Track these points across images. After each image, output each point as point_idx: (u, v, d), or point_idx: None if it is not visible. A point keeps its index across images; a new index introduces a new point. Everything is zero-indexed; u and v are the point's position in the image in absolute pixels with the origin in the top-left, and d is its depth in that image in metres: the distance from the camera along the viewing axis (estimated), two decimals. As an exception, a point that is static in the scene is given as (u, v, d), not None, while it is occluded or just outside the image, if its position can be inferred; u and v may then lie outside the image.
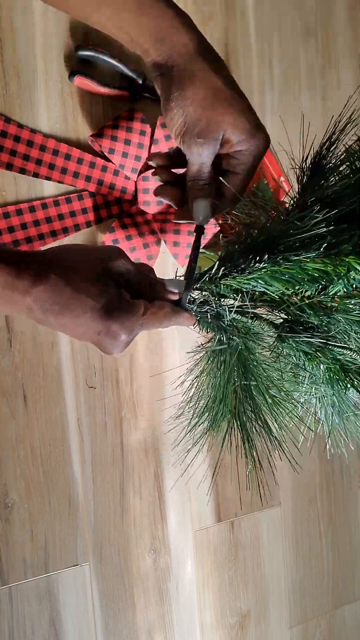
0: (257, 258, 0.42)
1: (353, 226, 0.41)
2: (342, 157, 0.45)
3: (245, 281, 0.44)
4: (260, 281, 0.43)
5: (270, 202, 0.47)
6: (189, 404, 0.50)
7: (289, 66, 0.86)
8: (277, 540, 0.92)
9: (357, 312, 0.42)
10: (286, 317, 0.46)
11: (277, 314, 0.46)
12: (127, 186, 0.73)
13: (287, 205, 0.47)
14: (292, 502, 0.93)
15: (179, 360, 0.80)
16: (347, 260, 0.39)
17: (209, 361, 0.49)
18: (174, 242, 0.74)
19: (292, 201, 0.46)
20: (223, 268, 0.45)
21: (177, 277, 0.48)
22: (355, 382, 0.45)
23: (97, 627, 0.77)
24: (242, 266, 0.44)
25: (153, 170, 0.52)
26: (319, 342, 0.43)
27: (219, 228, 0.76)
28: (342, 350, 0.44)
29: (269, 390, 0.48)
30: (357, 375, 0.45)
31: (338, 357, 0.44)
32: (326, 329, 0.43)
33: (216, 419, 0.49)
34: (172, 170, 0.51)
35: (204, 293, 0.47)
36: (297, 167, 0.47)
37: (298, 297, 0.44)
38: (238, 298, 0.45)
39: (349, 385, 0.45)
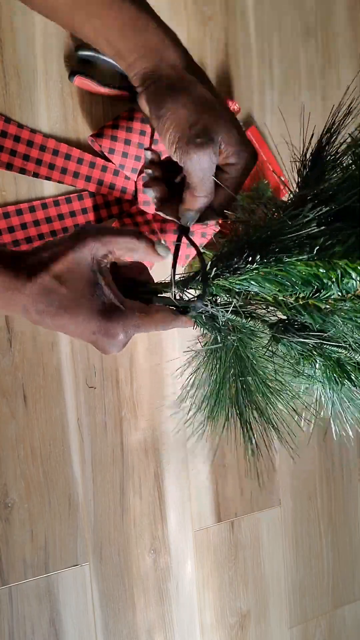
0: (250, 259, 0.41)
1: (347, 225, 0.39)
2: (343, 146, 0.44)
3: (237, 282, 0.43)
4: (252, 282, 0.42)
5: (266, 199, 0.46)
6: (188, 396, 0.50)
7: (289, 66, 0.86)
8: (277, 540, 0.92)
9: (352, 314, 0.41)
10: (281, 316, 0.46)
11: (272, 313, 0.46)
12: (127, 186, 0.73)
13: (286, 201, 0.46)
14: (292, 502, 0.93)
15: (178, 361, 0.80)
16: (339, 264, 0.38)
17: (206, 358, 0.49)
18: (174, 242, 0.74)
19: (289, 198, 0.45)
20: (215, 268, 0.44)
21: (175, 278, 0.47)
22: (352, 376, 0.44)
23: (97, 627, 0.77)
24: (235, 266, 0.43)
25: (143, 182, 0.51)
26: (314, 342, 0.43)
27: (219, 228, 0.76)
28: (338, 349, 0.43)
29: (266, 382, 0.48)
30: (355, 370, 0.44)
31: (333, 355, 0.44)
32: (321, 329, 0.43)
33: (214, 410, 0.49)
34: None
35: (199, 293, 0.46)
36: (298, 160, 0.45)
37: (292, 298, 0.43)
38: (232, 300, 0.44)
39: (345, 381, 0.45)
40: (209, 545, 0.85)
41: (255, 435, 0.48)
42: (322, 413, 0.49)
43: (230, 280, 0.43)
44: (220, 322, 0.46)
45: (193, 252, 0.75)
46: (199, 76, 0.45)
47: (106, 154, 0.70)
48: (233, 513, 0.87)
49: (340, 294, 0.40)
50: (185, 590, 0.83)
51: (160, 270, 0.76)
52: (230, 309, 0.44)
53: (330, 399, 0.47)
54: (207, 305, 0.45)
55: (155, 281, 0.49)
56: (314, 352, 0.44)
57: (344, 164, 0.43)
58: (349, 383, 0.45)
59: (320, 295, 0.41)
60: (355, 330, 0.41)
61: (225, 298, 0.45)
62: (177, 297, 0.46)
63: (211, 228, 0.75)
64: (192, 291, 0.47)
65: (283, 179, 0.83)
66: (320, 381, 0.46)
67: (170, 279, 0.46)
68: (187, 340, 0.80)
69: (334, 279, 0.39)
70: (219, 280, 0.44)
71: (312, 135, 0.45)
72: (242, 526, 0.88)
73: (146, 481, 0.79)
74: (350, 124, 0.44)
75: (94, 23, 0.44)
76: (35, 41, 0.69)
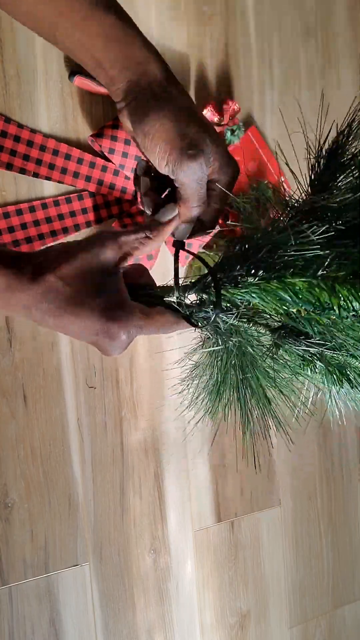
0: (252, 271, 0.41)
1: (353, 245, 0.38)
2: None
3: (239, 294, 0.42)
4: (253, 295, 0.41)
5: (272, 201, 0.45)
6: (188, 394, 0.50)
7: (289, 66, 0.86)
8: (277, 540, 0.92)
9: (352, 333, 0.40)
10: (283, 323, 0.45)
11: (273, 318, 0.45)
12: (127, 186, 0.73)
13: (294, 206, 0.45)
14: (292, 502, 0.93)
15: (179, 363, 0.80)
16: (342, 291, 0.37)
17: (207, 359, 0.49)
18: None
19: (298, 201, 0.44)
20: (217, 277, 0.44)
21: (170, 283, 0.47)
22: (351, 377, 0.44)
23: (97, 627, 0.77)
24: (236, 278, 0.42)
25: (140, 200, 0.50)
26: (315, 349, 0.42)
27: (219, 229, 0.76)
28: (339, 356, 0.43)
29: (267, 377, 0.47)
30: (355, 374, 0.44)
31: (334, 362, 0.44)
32: (323, 339, 0.42)
33: (215, 406, 0.49)
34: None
35: (203, 297, 0.46)
36: (312, 156, 0.43)
37: (294, 309, 0.42)
38: (233, 308, 0.44)
39: (344, 382, 0.44)
40: (209, 545, 0.85)
41: (253, 422, 0.48)
42: (322, 411, 0.49)
43: (231, 292, 0.42)
44: (222, 327, 0.46)
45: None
46: (182, 90, 0.45)
47: (106, 154, 0.70)
48: (233, 513, 0.87)
49: (342, 316, 0.39)
50: (185, 590, 0.83)
51: (160, 270, 0.76)
52: (233, 317, 0.44)
53: (329, 396, 0.47)
54: (208, 313, 0.45)
55: (156, 284, 0.49)
56: (314, 358, 0.44)
57: None
58: (347, 385, 0.45)
59: (322, 313, 0.40)
60: (356, 343, 0.41)
61: (226, 307, 0.45)
62: (178, 302, 0.46)
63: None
64: (192, 296, 0.47)
65: (283, 179, 0.83)
66: (320, 382, 0.46)
67: (174, 287, 0.45)
68: (187, 341, 0.80)
69: (335, 304, 0.38)
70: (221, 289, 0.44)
71: (330, 130, 0.43)
72: (242, 526, 0.88)
73: (146, 481, 0.79)
74: None
75: (78, 34, 0.43)
76: (35, 41, 0.69)
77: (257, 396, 0.48)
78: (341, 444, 0.97)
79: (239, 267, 0.42)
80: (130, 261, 0.45)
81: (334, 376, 0.44)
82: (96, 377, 0.75)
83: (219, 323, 0.45)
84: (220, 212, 0.47)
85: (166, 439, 0.80)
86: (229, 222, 0.48)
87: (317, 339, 0.42)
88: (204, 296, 0.45)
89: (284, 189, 0.82)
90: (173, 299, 0.46)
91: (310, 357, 0.44)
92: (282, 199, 0.44)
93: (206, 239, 0.76)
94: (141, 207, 0.73)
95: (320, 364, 0.44)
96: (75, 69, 0.70)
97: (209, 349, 0.48)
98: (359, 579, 1.01)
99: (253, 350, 0.47)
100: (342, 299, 0.37)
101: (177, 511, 0.82)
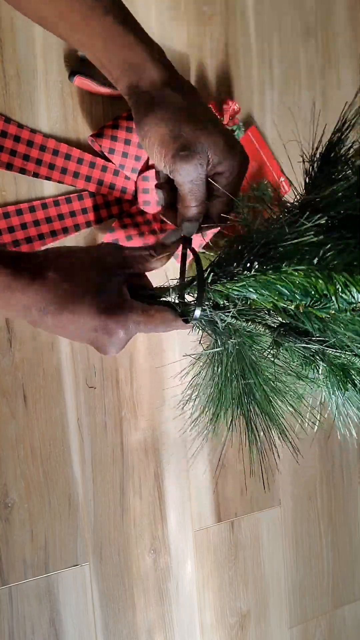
0: (248, 265, 0.41)
1: (350, 235, 0.38)
2: (356, 145, 0.42)
3: (235, 288, 0.42)
4: (250, 289, 0.41)
5: (270, 201, 0.45)
6: (189, 399, 0.50)
7: (289, 66, 0.86)
8: (277, 540, 0.92)
9: (352, 327, 0.40)
10: (282, 321, 0.45)
11: (273, 318, 0.45)
12: (127, 186, 0.73)
13: (289, 205, 0.45)
14: (292, 502, 0.93)
15: (179, 363, 0.80)
16: (339, 278, 0.37)
17: (207, 362, 0.49)
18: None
19: (295, 200, 0.45)
20: (212, 274, 0.44)
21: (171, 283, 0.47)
22: (356, 381, 0.44)
23: (97, 627, 0.77)
24: (232, 272, 0.42)
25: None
26: (316, 347, 0.42)
27: (219, 228, 0.76)
28: (340, 354, 0.43)
29: (269, 383, 0.47)
30: (358, 375, 0.44)
31: (336, 361, 0.43)
32: (323, 336, 0.42)
33: (217, 413, 0.49)
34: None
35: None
36: (307, 160, 0.44)
37: (292, 305, 0.42)
38: (230, 305, 0.44)
39: (348, 385, 0.44)
40: (209, 545, 0.85)
41: (259, 436, 0.48)
42: (325, 415, 0.49)
43: (228, 287, 0.42)
44: (220, 327, 0.45)
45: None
46: (183, 89, 0.44)
47: (106, 154, 0.70)
48: (233, 513, 0.87)
49: (340, 306, 0.39)
50: (185, 590, 0.83)
51: (160, 270, 0.76)
52: (230, 314, 0.44)
53: (334, 402, 0.47)
54: (205, 311, 0.45)
55: (153, 286, 0.49)
56: (317, 357, 0.43)
57: (355, 166, 0.42)
58: (352, 388, 0.44)
59: (321, 306, 0.40)
60: (357, 340, 0.41)
61: (224, 303, 0.45)
62: (177, 302, 0.46)
63: (211, 229, 0.75)
64: (190, 296, 0.47)
65: (283, 179, 0.83)
66: (323, 385, 0.46)
67: (169, 287, 0.46)
68: (187, 341, 0.80)
69: (332, 293, 0.38)
70: (217, 285, 0.43)
71: (323, 133, 0.44)
72: (242, 526, 0.88)
73: (146, 481, 0.79)
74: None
75: (78, 34, 0.44)
76: (35, 41, 0.69)
77: (259, 403, 0.48)
78: (342, 444, 0.97)
79: (235, 263, 0.42)
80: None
81: (338, 378, 0.44)
82: (96, 377, 0.75)
83: (216, 321, 0.45)
84: (226, 206, 0.47)
85: (166, 439, 0.80)
86: (228, 221, 0.48)
87: (317, 335, 0.42)
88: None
89: (284, 189, 0.82)
90: (170, 298, 0.46)
91: (311, 356, 0.43)
92: (278, 198, 0.44)
93: (207, 237, 0.76)
94: (141, 207, 0.73)
95: (322, 364, 0.44)
96: (75, 69, 0.70)
97: (209, 351, 0.48)
98: (359, 579, 1.01)
99: (253, 353, 0.47)
100: (338, 286, 0.37)
101: (177, 511, 0.82)
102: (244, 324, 0.45)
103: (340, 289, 0.37)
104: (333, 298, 0.38)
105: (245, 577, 0.89)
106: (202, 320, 0.46)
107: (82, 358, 0.74)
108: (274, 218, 0.44)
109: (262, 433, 0.48)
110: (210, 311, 0.45)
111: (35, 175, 0.69)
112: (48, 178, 0.70)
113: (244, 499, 0.88)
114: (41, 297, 0.40)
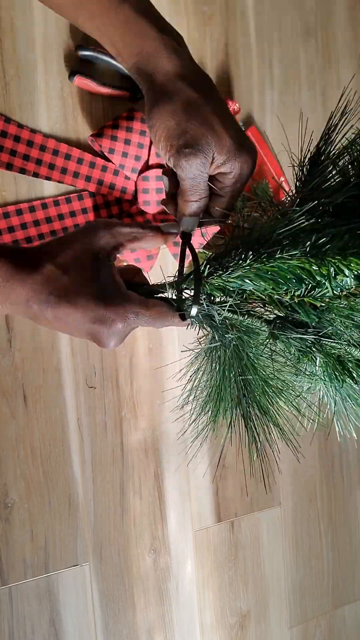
0: (242, 255, 0.41)
1: (342, 222, 0.38)
2: (342, 147, 0.43)
3: (231, 280, 0.42)
4: (246, 280, 0.41)
5: (265, 198, 0.45)
6: (188, 399, 0.50)
7: (289, 66, 0.86)
8: (277, 540, 0.92)
9: (348, 312, 0.40)
10: (278, 313, 0.45)
11: (269, 311, 0.45)
12: (127, 186, 0.73)
13: (284, 201, 0.46)
14: (292, 502, 0.93)
15: (179, 363, 0.80)
16: (332, 260, 0.37)
17: (205, 358, 0.49)
18: (174, 242, 0.74)
19: (286, 197, 0.45)
20: (209, 266, 0.44)
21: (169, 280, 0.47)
22: (354, 374, 0.44)
23: (97, 627, 0.77)
24: (227, 264, 0.42)
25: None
26: (312, 338, 0.42)
27: (219, 228, 0.76)
28: (337, 345, 0.43)
29: (268, 381, 0.47)
30: (356, 367, 0.44)
31: (332, 352, 0.43)
32: (318, 327, 0.42)
33: (216, 412, 0.49)
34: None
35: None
36: (296, 164, 0.45)
37: (287, 296, 0.42)
38: (226, 298, 0.44)
39: (346, 378, 0.44)
40: (209, 545, 0.85)
41: (260, 436, 0.48)
42: (325, 412, 0.49)
43: (224, 279, 0.43)
44: (218, 321, 0.46)
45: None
46: (196, 83, 0.44)
47: (106, 153, 0.70)
48: (233, 513, 0.87)
49: (335, 292, 0.40)
50: (185, 590, 0.83)
51: (159, 271, 0.76)
52: (227, 307, 0.44)
53: (332, 398, 0.47)
54: (201, 305, 0.45)
55: (150, 283, 0.49)
56: (313, 349, 0.44)
57: (340, 167, 0.43)
58: (350, 381, 0.44)
59: (315, 294, 0.40)
60: (352, 328, 0.41)
61: (221, 296, 0.45)
62: (174, 298, 0.46)
63: (212, 228, 0.75)
64: (188, 291, 0.47)
65: (283, 179, 0.83)
66: (321, 379, 0.46)
67: (174, 280, 0.46)
68: (187, 340, 0.80)
69: (325, 276, 0.38)
70: (213, 278, 0.44)
71: (312, 138, 0.44)
72: (242, 526, 0.88)
73: (146, 481, 0.79)
74: (346, 126, 0.44)
75: (97, 23, 0.44)
76: (35, 41, 0.69)
77: (257, 400, 0.48)
78: (341, 444, 0.97)
79: (231, 255, 0.42)
80: (123, 254, 0.45)
81: (335, 370, 0.44)
82: (96, 377, 0.75)
83: (213, 315, 0.45)
84: (226, 205, 0.47)
85: (166, 439, 0.80)
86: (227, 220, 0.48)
87: (313, 325, 0.42)
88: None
89: (284, 189, 0.82)
90: (168, 294, 0.46)
91: (308, 347, 0.43)
92: (277, 197, 0.45)
93: (208, 237, 0.76)
94: (141, 207, 0.73)
95: (319, 355, 0.44)
96: (75, 69, 0.70)
97: (207, 346, 0.48)
98: (359, 579, 1.01)
99: (250, 348, 0.47)
100: (332, 270, 0.37)
101: (177, 511, 0.82)
102: (241, 317, 0.45)
103: (333, 273, 0.38)
104: (327, 283, 0.38)
105: (245, 577, 0.89)
106: (199, 315, 0.46)
107: (82, 358, 0.74)
108: (270, 211, 0.44)
109: (261, 432, 0.48)
110: (207, 305, 0.45)
111: (35, 175, 0.69)
112: (48, 178, 0.70)
113: (244, 499, 0.88)
114: (41, 289, 0.40)
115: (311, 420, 0.49)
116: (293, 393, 0.48)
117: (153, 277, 0.52)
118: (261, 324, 0.46)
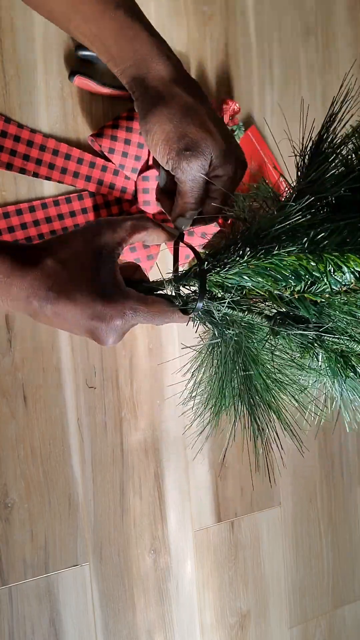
0: (240, 252, 0.41)
1: (340, 216, 0.38)
2: (343, 137, 0.43)
3: (229, 276, 0.42)
4: (244, 276, 0.41)
5: (264, 195, 0.45)
6: (192, 394, 0.50)
7: (289, 66, 0.86)
8: (277, 540, 0.92)
9: (348, 308, 0.40)
10: (279, 309, 0.45)
11: (270, 307, 0.45)
12: (127, 186, 0.73)
13: (282, 198, 0.46)
14: (292, 502, 0.93)
15: (179, 361, 0.80)
16: (329, 257, 0.37)
17: (207, 354, 0.49)
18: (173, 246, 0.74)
19: (285, 191, 0.45)
20: (207, 263, 0.44)
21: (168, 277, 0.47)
22: (358, 368, 0.44)
23: (97, 627, 0.77)
24: (226, 261, 0.42)
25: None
26: (313, 334, 0.42)
27: (219, 228, 0.76)
28: (338, 341, 0.42)
29: (270, 376, 0.47)
30: (358, 362, 0.44)
31: (334, 347, 0.43)
32: (319, 322, 0.42)
33: (219, 408, 0.49)
34: None
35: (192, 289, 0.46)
36: (297, 154, 0.45)
37: (287, 292, 0.42)
38: (225, 295, 0.44)
39: (349, 372, 0.44)
40: (209, 545, 0.85)
41: (264, 432, 0.48)
42: (329, 407, 0.49)
43: (222, 275, 0.43)
44: (217, 317, 0.45)
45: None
46: (189, 86, 0.45)
47: (106, 153, 0.70)
48: (233, 513, 0.87)
49: (335, 287, 0.39)
50: (185, 590, 0.83)
51: (154, 270, 0.76)
52: (226, 304, 0.44)
53: (337, 392, 0.47)
54: (204, 304, 0.45)
55: (150, 280, 0.49)
56: (315, 344, 0.43)
57: (342, 157, 0.43)
58: (353, 375, 0.44)
59: (315, 289, 0.40)
60: (352, 323, 0.41)
61: (221, 293, 0.45)
62: (174, 294, 0.46)
63: (211, 228, 0.75)
64: (186, 289, 0.47)
65: (282, 180, 0.83)
66: (324, 374, 0.46)
67: (171, 277, 0.46)
68: (187, 340, 0.80)
69: (322, 272, 0.38)
70: (211, 275, 0.44)
71: (312, 129, 0.44)
72: (242, 526, 0.88)
73: (146, 481, 0.79)
74: (346, 116, 0.43)
75: (90, 27, 0.45)
76: (35, 41, 0.69)
77: (260, 395, 0.47)
78: (342, 444, 0.97)
79: (229, 252, 0.43)
80: (126, 247, 0.46)
81: (337, 365, 0.44)
82: (96, 377, 0.75)
83: (212, 312, 0.45)
84: (218, 207, 0.48)
85: (166, 439, 0.80)
86: (228, 222, 0.48)
87: (314, 320, 0.42)
88: (196, 286, 0.45)
89: (283, 188, 0.82)
90: (167, 290, 0.46)
91: (309, 343, 0.43)
92: (276, 195, 0.45)
93: (208, 236, 0.76)
94: (141, 207, 0.73)
95: (321, 351, 0.44)
96: (75, 69, 0.70)
97: (208, 343, 0.48)
98: (359, 579, 1.01)
99: (252, 344, 0.47)
100: (329, 266, 0.37)
101: (177, 511, 0.82)
102: (241, 314, 0.45)
103: (331, 269, 0.37)
104: (324, 279, 0.38)
105: (245, 577, 0.89)
106: (200, 312, 0.46)
107: (82, 358, 0.74)
108: (269, 207, 0.44)
109: (264, 427, 0.48)
110: (206, 301, 0.45)
111: (35, 175, 0.69)
112: (48, 178, 0.70)
113: (244, 499, 0.88)
114: (40, 284, 0.40)
115: (316, 415, 0.49)
116: (296, 387, 0.47)
117: (153, 277, 0.52)
118: (262, 320, 0.45)
